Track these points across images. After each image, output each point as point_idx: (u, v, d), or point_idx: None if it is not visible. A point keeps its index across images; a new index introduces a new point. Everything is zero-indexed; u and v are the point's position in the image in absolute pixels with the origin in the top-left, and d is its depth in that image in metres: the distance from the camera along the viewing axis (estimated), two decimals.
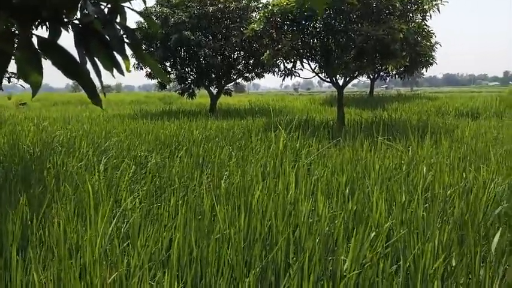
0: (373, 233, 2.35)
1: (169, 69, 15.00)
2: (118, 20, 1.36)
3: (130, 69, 1.50)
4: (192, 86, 15.19)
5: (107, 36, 1.27)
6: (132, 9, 1.33)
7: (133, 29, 1.31)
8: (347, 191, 3.30)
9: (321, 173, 3.96)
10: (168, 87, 17.18)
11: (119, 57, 1.35)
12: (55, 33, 1.28)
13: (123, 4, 1.32)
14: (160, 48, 13.79)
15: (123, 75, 1.33)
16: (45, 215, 2.98)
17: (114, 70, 1.35)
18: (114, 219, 2.74)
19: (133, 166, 4.89)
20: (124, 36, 1.31)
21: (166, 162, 4.89)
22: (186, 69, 14.86)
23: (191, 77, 15.06)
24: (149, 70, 14.87)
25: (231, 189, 3.46)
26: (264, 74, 15.05)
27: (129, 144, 6.41)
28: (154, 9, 13.96)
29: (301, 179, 3.36)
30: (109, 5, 1.28)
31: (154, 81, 15.61)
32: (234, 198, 3.22)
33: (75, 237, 2.53)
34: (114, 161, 5.29)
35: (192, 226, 2.50)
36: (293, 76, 9.82)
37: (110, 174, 4.49)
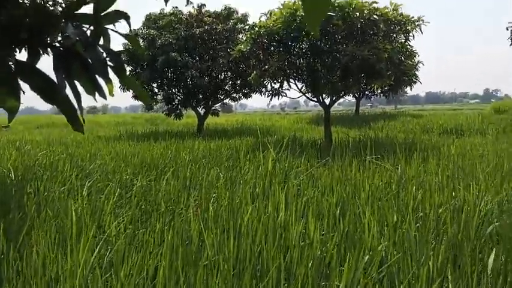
0: (367, 256, 2.29)
1: (156, 90, 14.96)
2: (102, 42, 1.31)
3: (113, 93, 1.44)
4: (179, 106, 15.15)
5: (89, 59, 1.22)
6: (117, 32, 1.29)
7: (116, 52, 1.26)
8: (338, 211, 3.24)
9: (311, 193, 3.90)
10: (155, 107, 17.07)
11: (101, 81, 1.30)
12: (34, 56, 1.23)
13: (107, 26, 1.28)
14: (147, 69, 13.79)
15: (105, 99, 1.28)
16: (24, 243, 2.84)
17: (97, 94, 1.30)
18: (97, 246, 2.62)
19: (118, 190, 4.77)
20: (107, 59, 1.26)
21: (153, 185, 4.78)
22: (173, 90, 14.85)
23: (178, 97, 15.04)
24: None
25: (219, 212, 3.37)
26: (251, 94, 15.12)
27: (114, 167, 6.27)
28: (141, 31, 14.02)
29: (291, 201, 3.29)
30: (91, 27, 1.23)
31: (141, 102, 15.54)
32: (223, 221, 3.13)
33: (54, 267, 2.39)
34: (99, 184, 5.15)
35: (178, 253, 2.40)
36: (280, 96, 9.87)
37: (94, 198, 4.35)
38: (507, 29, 7.09)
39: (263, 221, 2.82)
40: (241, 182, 4.31)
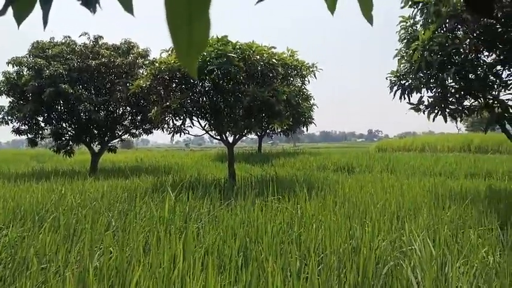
0: None
1: (42, 124, 13.42)
2: None
3: None
4: (70, 142, 13.76)
5: None
6: None
7: None
8: (240, 260, 3.04)
9: (213, 239, 3.65)
10: (43, 142, 15.26)
11: None
12: None
13: None
14: (33, 101, 12.33)
15: None
16: None
17: None
18: None
19: None
20: None
21: (25, 237, 4.03)
22: (63, 124, 13.48)
23: (69, 133, 13.68)
24: (16, 125, 13.08)
25: (105, 268, 2.90)
26: (153, 130, 14.51)
27: None
28: (25, 60, 12.62)
29: (189, 250, 3.00)
30: None
31: (25, 137, 13.73)
32: (110, 280, 2.68)
33: None
34: None
35: None
36: (182, 133, 9.58)
37: None
38: (386, 79, 8.00)
39: (157, 278, 2.47)
40: (135, 229, 3.86)
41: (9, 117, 12.87)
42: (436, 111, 7.46)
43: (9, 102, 13.03)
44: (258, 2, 0.91)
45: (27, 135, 13.43)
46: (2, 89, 12.52)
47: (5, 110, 12.94)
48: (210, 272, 2.56)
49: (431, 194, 6.85)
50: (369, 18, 1.09)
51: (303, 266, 2.96)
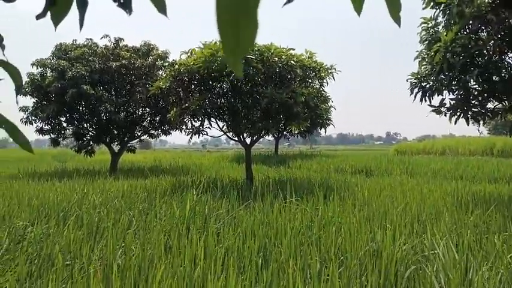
0: None
1: (64, 124, 13.75)
2: None
3: None
4: (91, 142, 14.05)
5: None
6: None
7: None
8: (260, 261, 3.05)
9: (232, 239, 3.67)
10: (64, 142, 15.63)
11: None
12: None
13: None
14: (55, 102, 12.65)
15: None
16: None
17: None
18: None
19: (7, 240, 4.03)
20: None
21: (50, 234, 4.14)
22: (85, 125, 13.78)
23: (90, 133, 13.98)
24: (40, 125, 13.44)
25: (127, 266, 2.95)
26: (171, 131, 14.68)
27: (6, 212, 5.39)
28: (49, 61, 12.97)
29: (210, 250, 3.03)
30: None
31: (47, 137, 14.09)
32: (132, 279, 2.73)
33: None
34: None
35: None
36: (201, 134, 9.66)
37: None
38: (407, 81, 7.89)
39: (178, 277, 2.50)
40: (155, 228, 3.91)
41: (33, 117, 13.23)
42: (458, 113, 7.32)
43: (33, 102, 13.40)
44: (285, 4, 0.92)
45: (50, 135, 13.78)
46: (27, 89, 12.87)
47: (29, 110, 13.31)
48: (230, 272, 2.58)
49: (453, 198, 6.72)
50: (397, 19, 1.08)
51: (323, 268, 2.95)
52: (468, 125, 7.52)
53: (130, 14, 0.89)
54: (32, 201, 6.14)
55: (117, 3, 0.86)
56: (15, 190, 7.66)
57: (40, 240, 4.06)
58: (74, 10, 1.04)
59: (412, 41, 9.35)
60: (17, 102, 1.09)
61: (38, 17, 0.91)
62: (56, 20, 1.04)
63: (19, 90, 1.06)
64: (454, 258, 2.96)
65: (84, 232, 4.06)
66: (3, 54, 1.00)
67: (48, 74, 13.01)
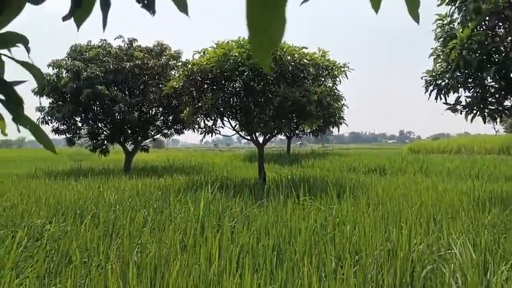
0: None
1: (79, 124, 13.97)
2: None
3: (6, 132, 1.15)
4: (106, 142, 14.25)
5: None
6: (12, 58, 1.03)
7: (9, 82, 1.00)
8: (275, 259, 3.05)
9: (246, 238, 3.68)
10: (79, 142, 15.88)
11: None
12: None
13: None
14: (70, 102, 12.87)
15: None
16: None
17: None
18: None
19: (26, 238, 4.12)
20: None
21: (68, 232, 4.21)
22: (99, 124, 13.98)
23: (104, 132, 14.17)
24: (55, 125, 13.68)
25: (144, 263, 2.99)
26: (184, 131, 14.78)
27: (24, 210, 5.51)
28: (64, 62, 13.18)
29: (225, 248, 3.05)
30: None
31: (63, 136, 14.34)
32: (148, 276, 2.77)
33: None
34: (3, 231, 4.44)
35: None
36: (214, 134, 9.71)
37: None
38: (421, 78, 7.79)
39: (194, 275, 2.53)
40: (171, 226, 3.95)
41: (49, 117, 13.47)
42: (474, 111, 7.20)
43: (49, 103, 13.64)
44: (303, 2, 0.92)
45: (66, 135, 14.01)
46: (43, 90, 13.11)
47: (45, 111, 13.55)
48: (246, 270, 2.59)
49: (469, 197, 6.61)
50: (415, 17, 1.08)
51: (338, 266, 2.94)
52: (485, 123, 7.39)
53: (154, 15, 0.91)
54: (49, 200, 6.26)
55: (141, 4, 0.88)
56: (32, 189, 7.81)
57: (58, 237, 4.14)
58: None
59: (426, 38, 9.23)
60: (40, 103, 1.12)
61: (64, 18, 0.94)
62: (79, 21, 1.06)
63: (42, 91, 1.09)
64: (471, 258, 2.92)
65: (101, 230, 4.12)
66: (29, 57, 1.03)
67: (63, 75, 13.23)
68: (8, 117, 1.11)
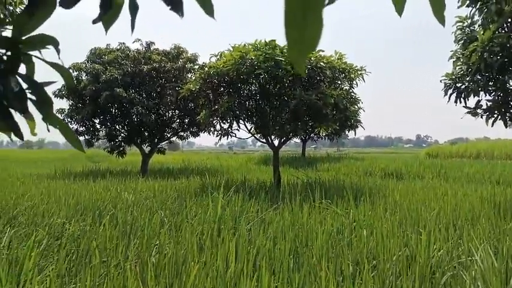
0: None
1: (98, 126, 14.23)
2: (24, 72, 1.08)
3: (36, 132, 1.18)
4: (123, 144, 14.47)
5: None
6: (42, 59, 1.06)
7: (40, 83, 1.03)
8: (291, 263, 3.04)
9: (263, 241, 3.68)
10: (97, 143, 16.16)
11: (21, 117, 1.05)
12: None
13: (30, 53, 1.05)
14: (89, 104, 13.13)
15: (22, 139, 1.03)
16: None
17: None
18: None
19: (47, 237, 4.21)
20: (28, 91, 1.02)
21: (87, 232, 4.29)
22: (117, 126, 14.21)
23: (122, 134, 14.39)
24: (75, 127, 13.95)
25: (162, 263, 3.02)
26: (200, 133, 14.89)
27: (45, 210, 5.63)
28: (84, 65, 13.47)
29: (242, 250, 3.05)
30: (9, 53, 1.00)
31: (82, 138, 14.62)
32: (166, 277, 2.79)
33: None
34: (24, 230, 4.55)
35: None
36: (229, 136, 9.75)
37: (16, 248, 3.78)
38: (440, 81, 7.67)
39: (211, 276, 2.54)
40: (188, 228, 3.98)
41: (69, 119, 13.76)
42: (495, 115, 7.04)
43: (69, 105, 13.93)
44: (328, 4, 0.92)
45: (84, 136, 14.28)
46: (63, 93, 13.40)
47: (65, 112, 13.85)
48: (263, 273, 2.59)
49: (489, 203, 6.46)
50: (441, 19, 1.06)
51: (356, 271, 2.91)
52: (506, 127, 7.21)
53: (182, 17, 0.92)
54: (69, 200, 6.39)
55: (169, 7, 0.89)
56: (52, 189, 7.98)
57: (77, 237, 4.22)
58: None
59: (446, 41, 9.09)
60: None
61: (94, 21, 0.96)
62: (107, 24, 1.09)
63: (71, 92, 1.12)
64: (493, 266, 2.85)
65: (119, 230, 4.18)
66: (59, 58, 1.06)
67: (83, 78, 13.50)
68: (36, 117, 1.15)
